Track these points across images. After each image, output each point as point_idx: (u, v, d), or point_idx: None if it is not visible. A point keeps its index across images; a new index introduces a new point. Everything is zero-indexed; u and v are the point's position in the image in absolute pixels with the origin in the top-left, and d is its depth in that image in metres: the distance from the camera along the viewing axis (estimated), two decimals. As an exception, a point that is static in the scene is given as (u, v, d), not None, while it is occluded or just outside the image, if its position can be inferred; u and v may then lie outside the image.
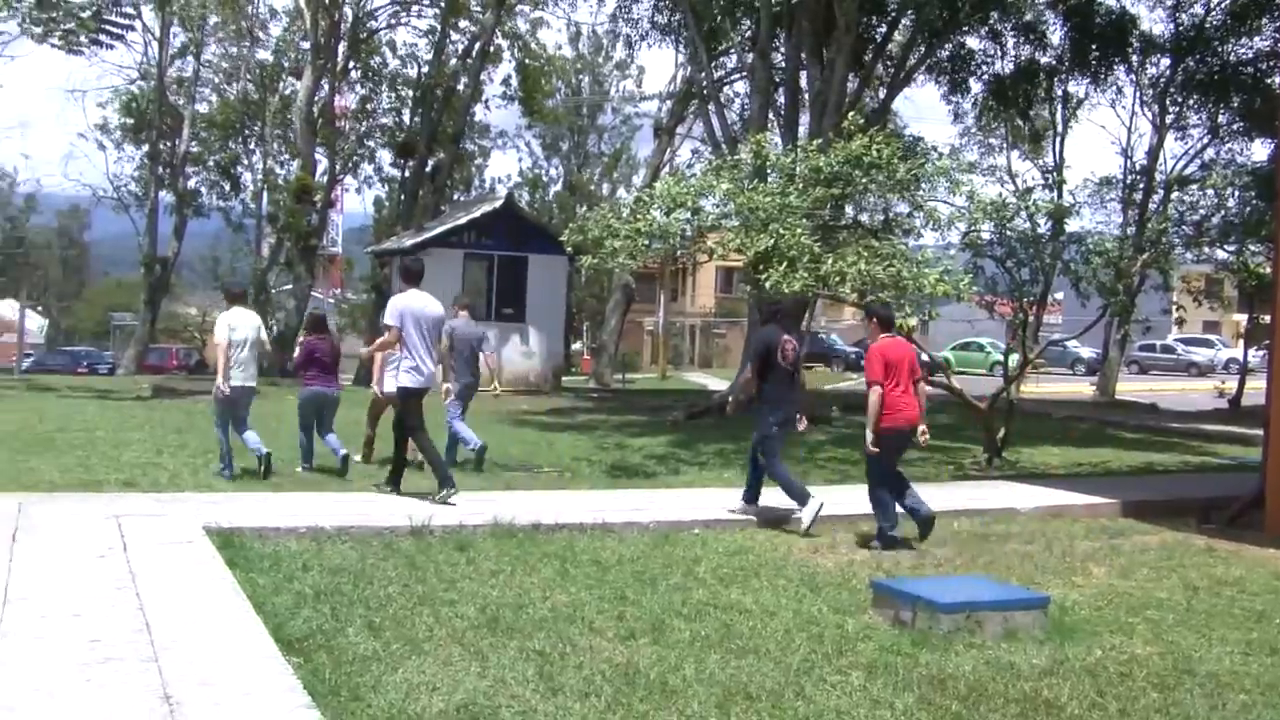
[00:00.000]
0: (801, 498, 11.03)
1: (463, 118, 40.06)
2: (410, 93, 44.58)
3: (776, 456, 11.28)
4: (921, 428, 10.53)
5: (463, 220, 31.59)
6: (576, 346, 67.05)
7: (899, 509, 10.48)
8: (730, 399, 16.33)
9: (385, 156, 49.11)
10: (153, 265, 41.95)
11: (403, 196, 41.96)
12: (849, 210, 17.22)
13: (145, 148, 45.70)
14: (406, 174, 42.29)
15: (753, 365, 11.49)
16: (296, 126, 38.92)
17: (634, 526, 10.69)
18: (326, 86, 38.77)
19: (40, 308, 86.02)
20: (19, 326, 50.25)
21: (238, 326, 12.84)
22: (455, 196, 49.74)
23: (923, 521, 10.50)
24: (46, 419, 17.12)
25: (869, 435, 10.23)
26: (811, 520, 10.87)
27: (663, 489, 13.47)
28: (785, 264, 14.21)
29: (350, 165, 49.04)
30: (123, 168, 49.62)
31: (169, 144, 44.18)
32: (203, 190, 48.72)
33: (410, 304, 11.71)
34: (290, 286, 39.71)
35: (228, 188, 49.39)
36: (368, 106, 47.93)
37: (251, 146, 48.93)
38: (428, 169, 39.29)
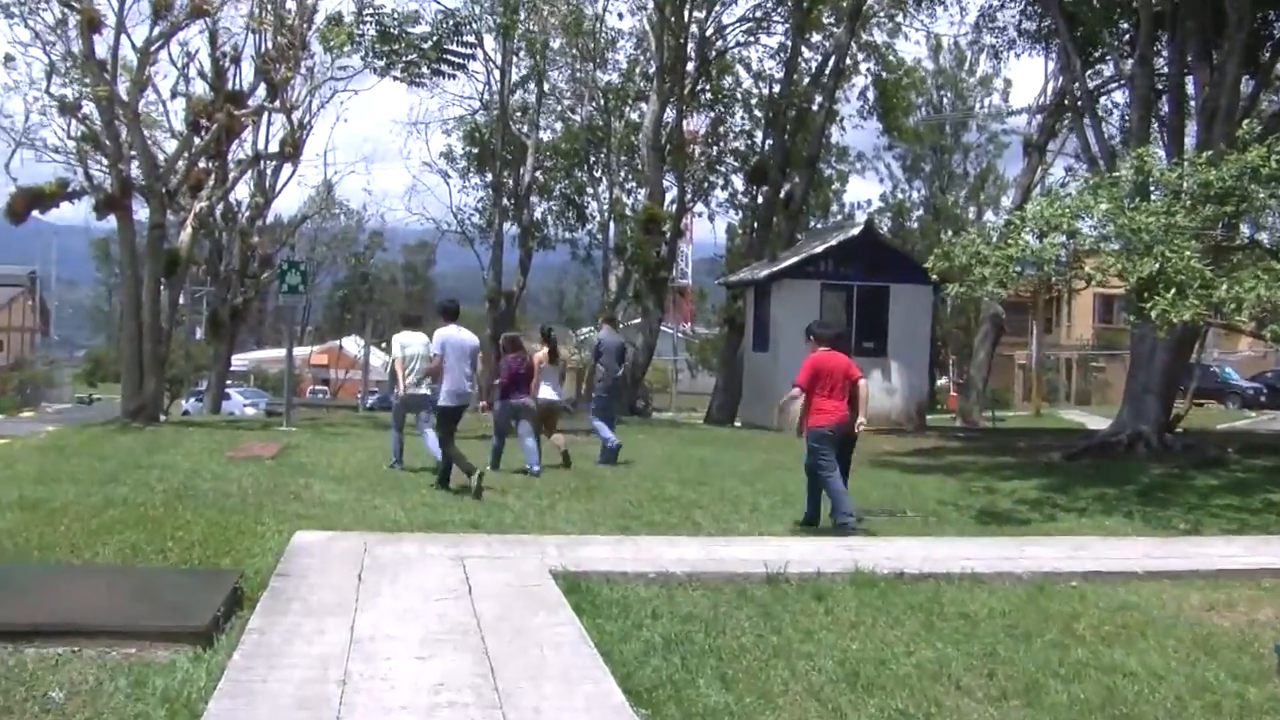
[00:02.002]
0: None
1: (817, 139, 40.16)
2: (762, 114, 44.92)
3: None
4: (860, 420, 13.31)
5: (819, 249, 31.66)
6: (942, 382, 65.91)
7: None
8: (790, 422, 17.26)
9: (737, 182, 49.51)
10: (497, 299, 42.94)
11: (755, 224, 42.42)
12: (1245, 229, 16.25)
13: (489, 178, 47.45)
14: (759, 200, 42.76)
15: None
16: (643, 153, 39.55)
17: (1005, 577, 10.44)
18: (674, 110, 39.47)
19: (385, 344, 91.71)
20: (363, 363, 52.89)
21: (409, 344, 16.66)
22: (811, 223, 49.90)
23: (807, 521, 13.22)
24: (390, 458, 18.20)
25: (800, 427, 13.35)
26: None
27: (1037, 536, 13.07)
28: (1173, 290, 13.56)
29: (700, 192, 49.77)
30: (466, 199, 51.77)
31: (512, 174, 45.80)
32: (548, 221, 50.50)
33: (449, 336, 15.38)
34: (639, 321, 40.76)
35: (573, 218, 50.86)
36: (718, 129, 48.49)
37: (597, 175, 49.60)
38: (781, 195, 39.62)
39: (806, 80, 41.53)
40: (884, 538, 12.58)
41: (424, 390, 16.68)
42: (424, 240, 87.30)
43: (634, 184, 48.07)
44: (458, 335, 15.56)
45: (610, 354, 19.15)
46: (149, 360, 24.85)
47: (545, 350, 18.04)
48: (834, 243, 31.63)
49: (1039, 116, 41.75)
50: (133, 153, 25.36)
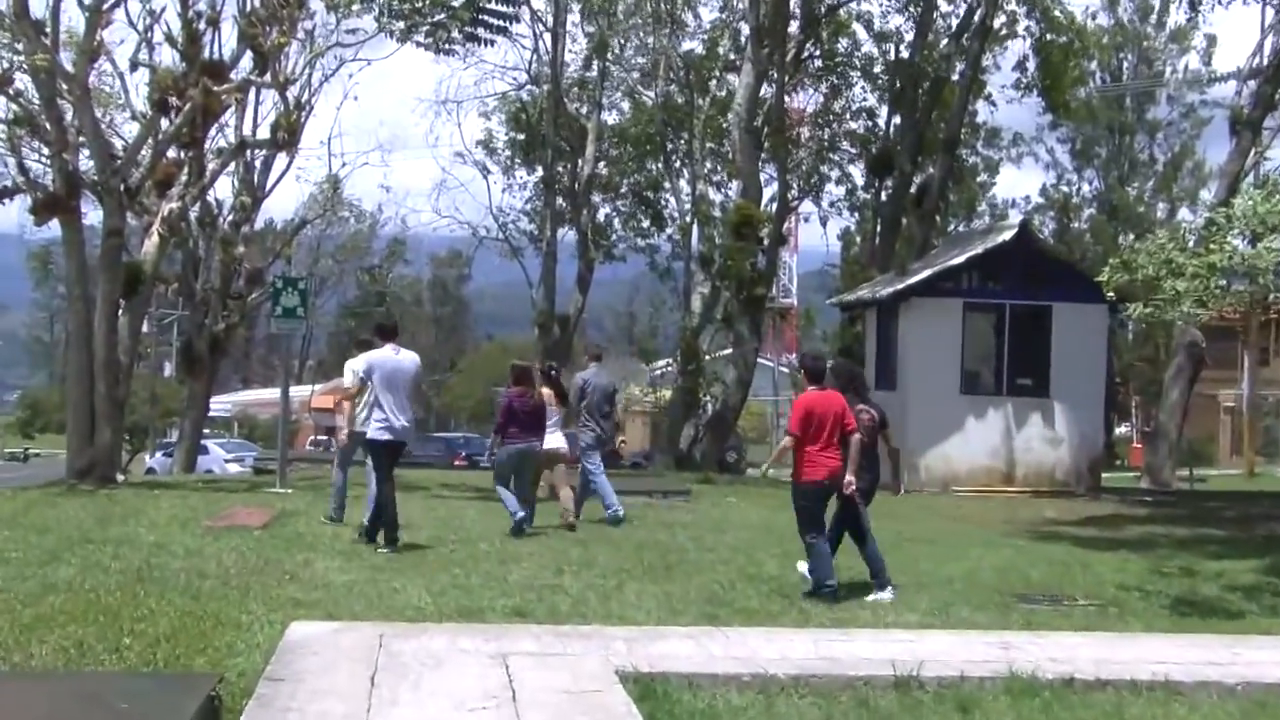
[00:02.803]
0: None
1: (958, 117, 40.04)
2: (887, 86, 44.78)
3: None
4: (847, 479, 13.79)
5: (961, 259, 31.51)
6: (1122, 431, 65.29)
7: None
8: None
9: (855, 174, 49.37)
10: (549, 324, 42.66)
11: (878, 228, 42.36)
12: None
13: (539, 172, 47.42)
14: (883, 197, 42.71)
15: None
16: (735, 137, 39.10)
17: (1211, 688, 10.28)
18: (774, 83, 39.22)
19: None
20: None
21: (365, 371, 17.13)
22: (951, 227, 49.77)
23: (876, 574, 14.19)
24: (413, 526, 18.20)
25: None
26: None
27: (1254, 636, 12.85)
28: None
29: (808, 188, 49.67)
30: (510, 198, 51.63)
31: (569, 166, 45.61)
32: (614, 225, 50.63)
33: (379, 360, 16.46)
34: (730, 351, 40.68)
35: (646, 221, 50.90)
36: (831, 107, 48.38)
37: (676, 165, 49.45)
38: (912, 189, 39.51)
39: (944, 41, 41.45)
40: (1048, 632, 12.43)
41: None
42: (456, 250, 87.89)
43: (723, 177, 48.17)
44: (392, 358, 16.61)
45: (597, 396, 20.30)
46: (103, 404, 25.06)
47: (549, 392, 19.27)
48: (980, 250, 31.47)
49: (1251, 83, 41.19)
50: (81, 139, 25.67)
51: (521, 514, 17.89)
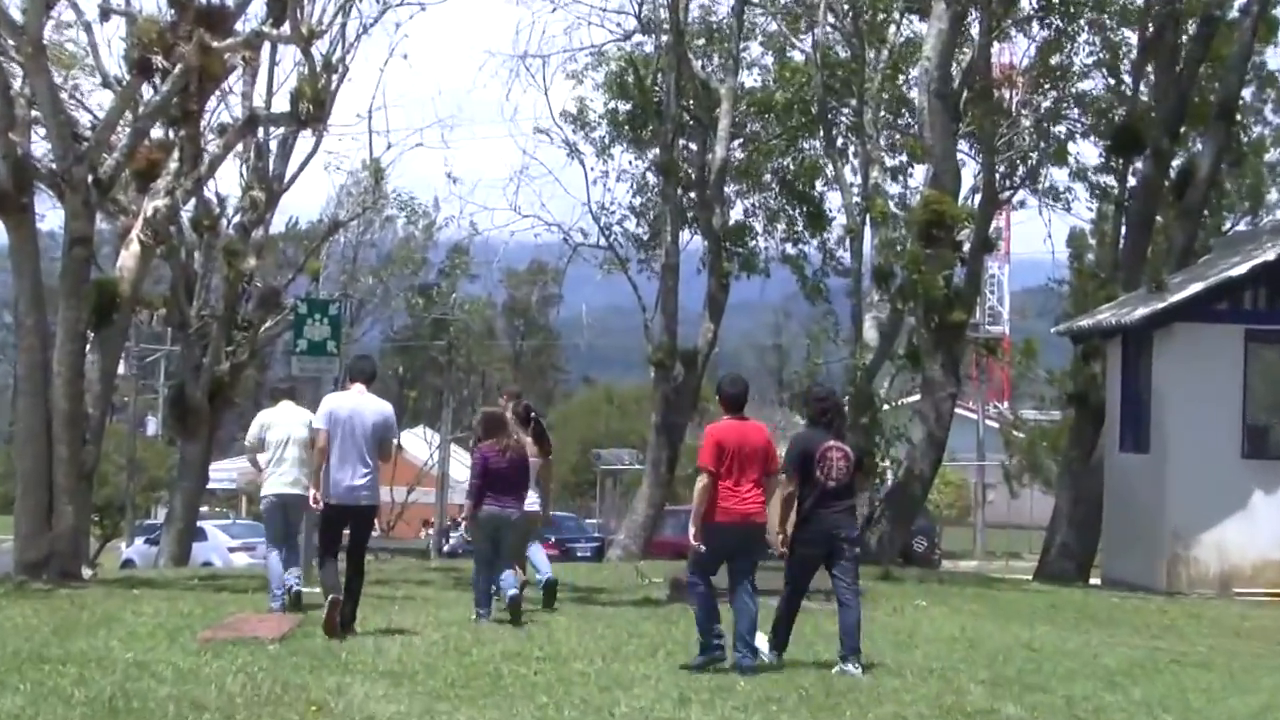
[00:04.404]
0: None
1: (1238, 75, 39.57)
2: (1134, 31, 44.34)
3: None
4: (778, 533, 16.60)
5: (1242, 269, 31.16)
6: None
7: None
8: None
9: (1088, 154, 48.90)
10: (669, 363, 42.30)
11: (1123, 228, 42.01)
12: None
13: (653, 155, 47.10)
14: (1129, 185, 42.35)
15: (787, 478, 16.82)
16: (922, 104, 38.86)
17: None
18: (976, 33, 39.12)
19: (471, 438, 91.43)
20: (438, 476, 52.38)
21: (272, 424, 20.38)
22: (1227, 225, 49.18)
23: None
24: (485, 640, 18.15)
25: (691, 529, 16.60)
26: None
27: None
28: None
29: (1025, 175, 49.30)
30: (614, 191, 50.94)
31: (695, 146, 45.27)
32: (756, 228, 50.30)
33: (340, 407, 18.31)
34: (917, 399, 40.29)
35: (799, 221, 50.35)
36: (1052, 64, 47.96)
37: (841, 144, 48.38)
38: (1170, 174, 39.17)
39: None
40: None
41: (300, 489, 20.43)
42: (541, 262, 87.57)
43: (903, 159, 47.83)
44: (357, 404, 18.47)
45: None
46: (64, 473, 25.23)
47: (529, 441, 20.99)
48: (1271, 258, 31.10)
49: None
50: (35, 113, 25.91)
51: (483, 612, 20.02)
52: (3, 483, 66.42)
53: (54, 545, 24.93)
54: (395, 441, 21.21)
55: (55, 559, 24.77)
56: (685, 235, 44.54)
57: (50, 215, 28.06)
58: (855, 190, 45.99)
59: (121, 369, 33.87)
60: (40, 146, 26.40)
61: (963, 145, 40.07)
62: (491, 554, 20.06)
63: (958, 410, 42.03)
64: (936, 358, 36.60)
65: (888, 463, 40.26)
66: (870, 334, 42.15)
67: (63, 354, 25.25)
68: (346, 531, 19.09)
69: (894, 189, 47.73)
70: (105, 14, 29.55)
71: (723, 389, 17.04)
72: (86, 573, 26.63)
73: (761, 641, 16.72)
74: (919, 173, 43.00)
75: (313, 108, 30.51)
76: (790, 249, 50.15)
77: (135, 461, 65.91)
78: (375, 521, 20.73)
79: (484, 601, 20.12)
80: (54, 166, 25.89)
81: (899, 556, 36.16)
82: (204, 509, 48.93)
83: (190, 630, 18.64)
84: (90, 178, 25.80)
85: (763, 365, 73.37)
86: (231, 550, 53.48)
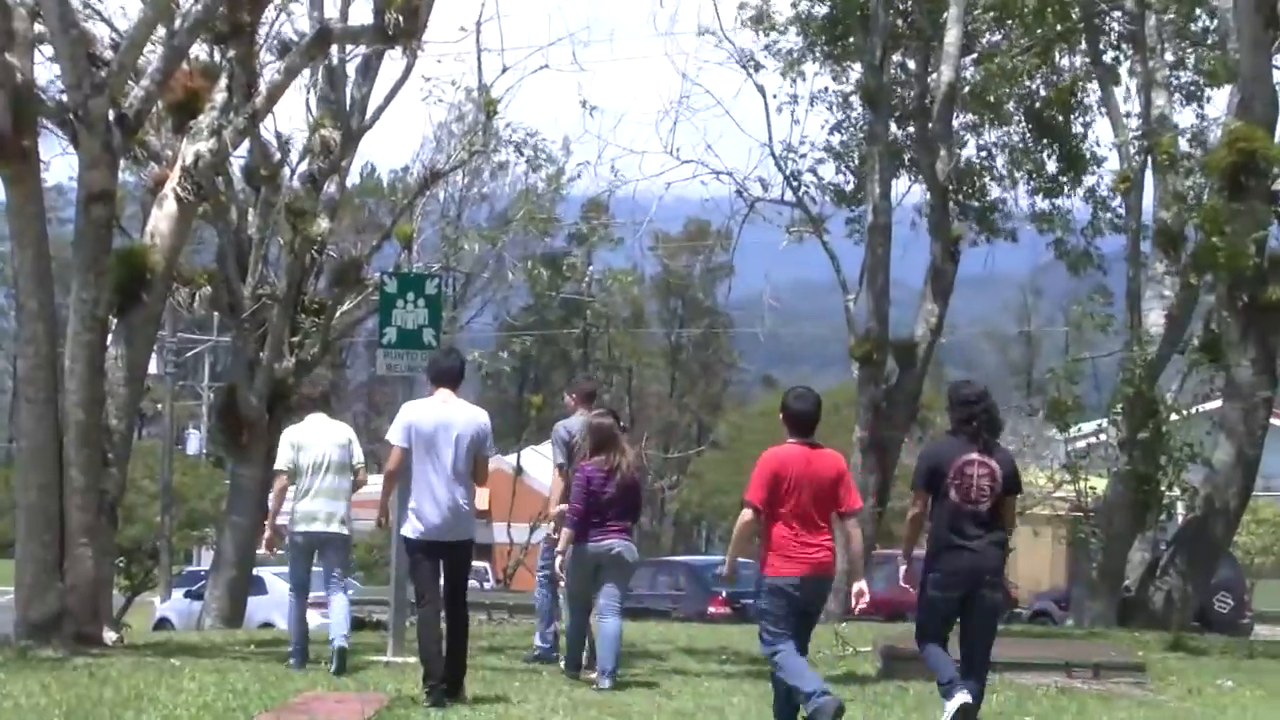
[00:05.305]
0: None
1: None
2: None
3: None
4: (858, 587, 16.59)
5: None
6: None
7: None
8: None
9: None
10: (879, 357, 42.13)
11: None
12: None
13: (855, 76, 47.42)
14: None
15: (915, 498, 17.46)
16: (1224, 16, 38.70)
17: None
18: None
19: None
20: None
21: (307, 444, 21.34)
22: None
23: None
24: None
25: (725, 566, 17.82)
26: None
27: None
28: None
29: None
30: (802, 128, 51.01)
31: (911, 67, 45.16)
32: (991, 177, 50.25)
33: (423, 418, 18.90)
34: (1218, 404, 39.96)
35: (1053, 166, 50.40)
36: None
37: (1112, 59, 48.11)
38: None
39: None
40: None
41: (336, 526, 22.21)
42: (704, 224, 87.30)
43: (1197, 83, 47.42)
44: (443, 414, 19.07)
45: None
46: (79, 506, 25.44)
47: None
48: None
49: None
50: (39, 28, 26.13)
51: (573, 673, 21.12)
52: (2, 517, 67.14)
53: (67, 600, 25.00)
54: (489, 458, 20.46)
55: (68, 618, 24.86)
56: (900, 185, 44.44)
57: (59, 163, 28.21)
58: (1131, 122, 45.68)
59: (153, 367, 34.08)
60: (46, 71, 26.58)
61: None
62: (589, 598, 20.60)
63: (1274, 421, 41.52)
64: (1245, 350, 36.29)
65: (1177, 492, 39.78)
66: (1153, 318, 41.72)
67: (77, 347, 25.22)
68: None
69: (1185, 120, 47.36)
70: (128, -106, 29.78)
71: (788, 404, 17.20)
72: (110, 636, 26.73)
73: None
74: (1220, 98, 42.60)
75: (403, 19, 30.31)
76: (1041, 203, 49.90)
77: (172, 490, 66.49)
78: (490, 569, 21.07)
79: (574, 663, 20.87)
80: (64, 98, 25.99)
81: (1195, 619, 35.90)
82: (261, 552, 49.22)
83: (245, 713, 18.77)
84: (112, 113, 25.88)
85: (1004, 360, 73.06)
86: (297, 602, 53.74)
